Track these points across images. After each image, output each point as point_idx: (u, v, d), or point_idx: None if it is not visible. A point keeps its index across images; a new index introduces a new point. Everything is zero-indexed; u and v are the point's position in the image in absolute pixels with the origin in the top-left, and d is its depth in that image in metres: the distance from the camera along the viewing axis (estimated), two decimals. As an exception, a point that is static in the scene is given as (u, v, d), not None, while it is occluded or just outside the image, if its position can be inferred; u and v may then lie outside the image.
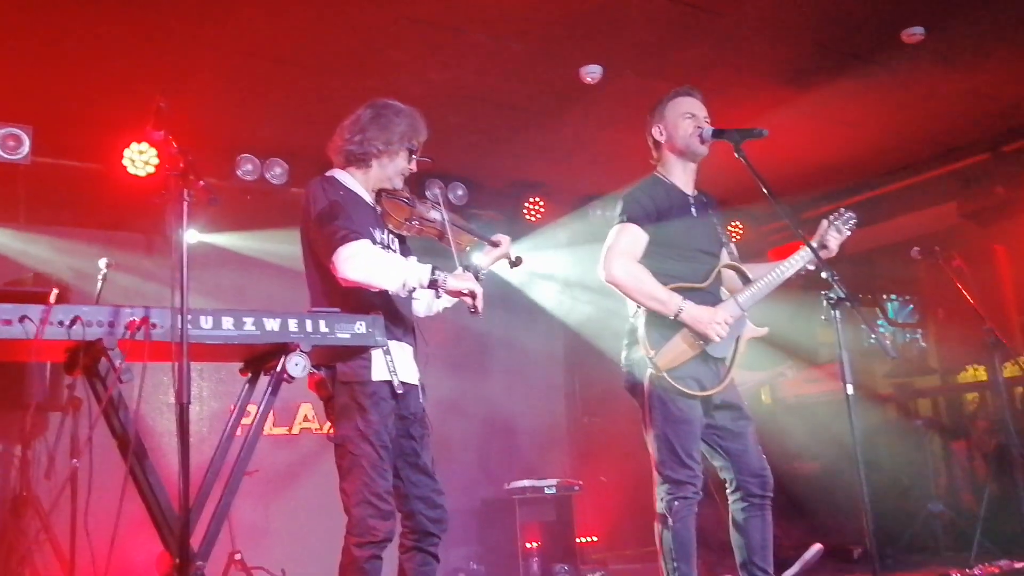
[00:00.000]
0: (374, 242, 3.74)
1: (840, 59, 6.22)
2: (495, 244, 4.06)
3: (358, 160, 3.89)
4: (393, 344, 3.66)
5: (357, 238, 3.57)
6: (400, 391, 3.63)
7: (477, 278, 3.82)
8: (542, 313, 9.09)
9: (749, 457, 4.18)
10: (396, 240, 3.97)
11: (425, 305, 4.06)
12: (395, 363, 3.63)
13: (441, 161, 7.41)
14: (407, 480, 3.78)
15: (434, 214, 3.97)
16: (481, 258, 4.08)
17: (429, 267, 3.65)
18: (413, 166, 4.00)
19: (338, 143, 3.93)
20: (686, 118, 4.27)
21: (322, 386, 3.66)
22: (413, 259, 3.82)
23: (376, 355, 3.60)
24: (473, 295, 3.69)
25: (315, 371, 3.55)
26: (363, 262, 3.55)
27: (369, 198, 3.92)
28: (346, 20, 5.43)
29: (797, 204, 8.53)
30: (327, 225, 3.62)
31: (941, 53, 6.18)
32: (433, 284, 3.62)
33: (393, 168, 3.91)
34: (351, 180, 3.90)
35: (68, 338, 2.91)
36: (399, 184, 3.96)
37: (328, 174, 3.92)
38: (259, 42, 5.63)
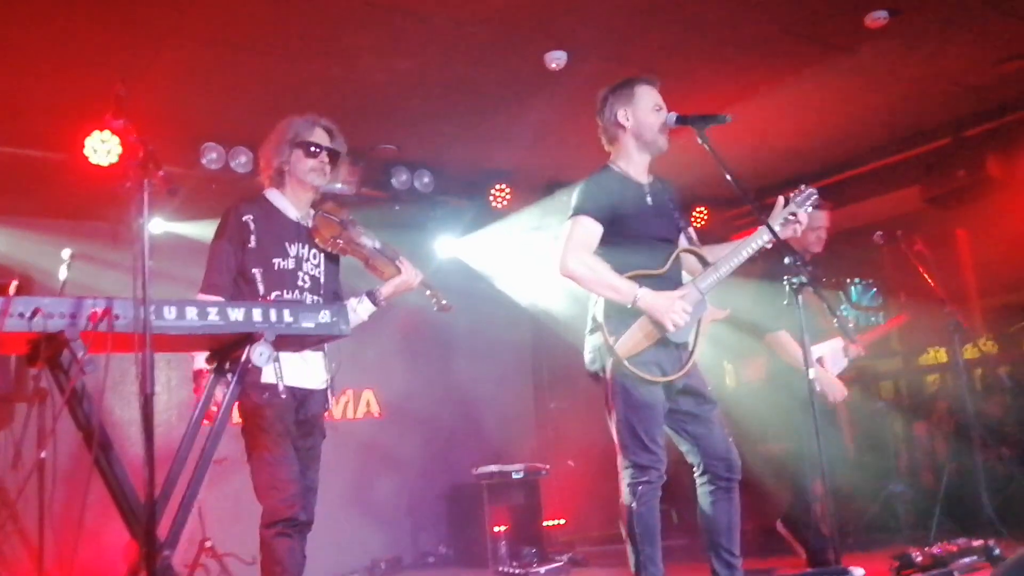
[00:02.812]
0: (285, 256, 4.17)
1: (804, 43, 6.24)
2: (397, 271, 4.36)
3: (276, 180, 4.37)
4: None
5: (209, 294, 4.10)
6: (284, 395, 3.77)
7: (376, 303, 4.27)
8: (508, 300, 9.10)
9: (714, 440, 4.22)
10: (322, 255, 4.29)
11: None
12: (282, 369, 3.70)
13: (406, 149, 7.48)
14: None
15: (365, 240, 4.32)
16: (386, 286, 4.36)
17: None
18: (323, 158, 4.32)
19: (260, 177, 4.47)
20: (655, 111, 4.30)
21: None
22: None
23: None
24: None
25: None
26: None
27: (295, 212, 4.32)
28: (309, 6, 5.40)
29: (761, 189, 8.57)
30: (205, 268, 4.19)
31: (904, 37, 6.21)
32: None
33: (299, 169, 4.32)
34: (277, 197, 4.36)
35: (29, 330, 2.87)
36: (315, 180, 4.33)
37: (262, 193, 4.39)
38: (222, 29, 5.58)
